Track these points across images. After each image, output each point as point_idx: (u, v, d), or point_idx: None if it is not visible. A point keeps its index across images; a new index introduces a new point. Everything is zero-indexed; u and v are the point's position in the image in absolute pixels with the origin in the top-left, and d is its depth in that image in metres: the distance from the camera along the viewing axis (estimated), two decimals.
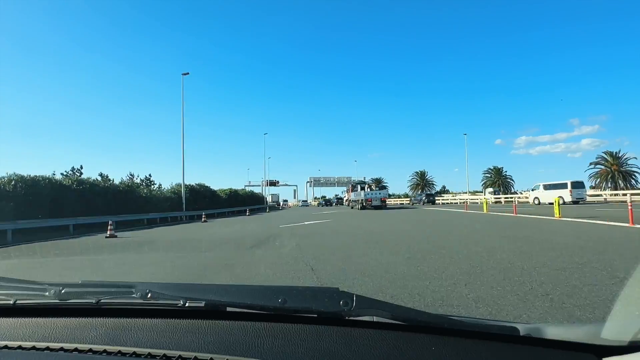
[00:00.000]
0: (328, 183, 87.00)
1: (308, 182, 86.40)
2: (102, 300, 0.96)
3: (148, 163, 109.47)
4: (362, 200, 33.38)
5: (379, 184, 76.44)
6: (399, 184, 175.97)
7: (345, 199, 62.19)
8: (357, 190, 37.03)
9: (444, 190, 72.20)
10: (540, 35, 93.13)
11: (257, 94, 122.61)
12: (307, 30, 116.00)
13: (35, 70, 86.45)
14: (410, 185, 76.65)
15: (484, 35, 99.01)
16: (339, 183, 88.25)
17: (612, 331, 0.73)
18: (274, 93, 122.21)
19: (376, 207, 32.22)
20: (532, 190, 31.13)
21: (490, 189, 29.17)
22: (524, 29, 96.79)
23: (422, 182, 74.47)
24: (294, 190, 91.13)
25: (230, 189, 42.73)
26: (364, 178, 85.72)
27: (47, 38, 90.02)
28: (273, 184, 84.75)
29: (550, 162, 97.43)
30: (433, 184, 74.97)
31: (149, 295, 0.93)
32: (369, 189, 35.44)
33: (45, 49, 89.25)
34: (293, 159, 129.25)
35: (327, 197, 71.74)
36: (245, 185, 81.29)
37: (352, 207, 38.07)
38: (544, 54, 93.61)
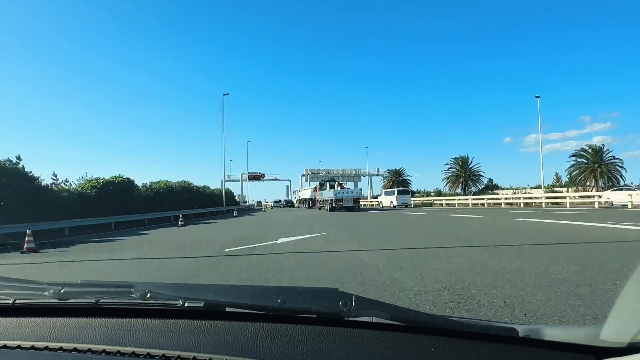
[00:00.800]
0: (329, 177, 65.87)
1: (304, 175, 65.22)
2: (101, 300, 0.95)
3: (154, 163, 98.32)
4: (331, 200, 29.79)
5: (398, 175, 55.83)
6: (426, 178, 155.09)
7: (296, 199, 55.40)
8: (325, 189, 33.49)
9: (492, 186, 48.60)
10: (550, 34, 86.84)
11: (259, 93, 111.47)
12: (309, 34, 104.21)
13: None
14: (447, 178, 49.57)
15: (493, 35, 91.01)
16: (343, 177, 66.39)
17: (611, 332, 0.72)
18: (275, 92, 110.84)
19: (348, 209, 28.72)
20: (378, 195, 40.90)
21: None
22: (532, 28, 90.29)
23: (464, 172, 47.12)
24: (287, 187, 70.15)
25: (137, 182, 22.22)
26: (378, 170, 65.03)
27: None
28: (256, 177, 64.13)
29: (560, 160, 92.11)
30: (480, 176, 47.93)
31: (148, 295, 0.91)
32: (339, 187, 32.29)
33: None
34: (295, 158, 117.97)
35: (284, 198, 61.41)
36: (225, 181, 61.83)
37: (319, 209, 34.15)
38: (553, 52, 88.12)
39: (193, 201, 29.55)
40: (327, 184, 34.53)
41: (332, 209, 28.85)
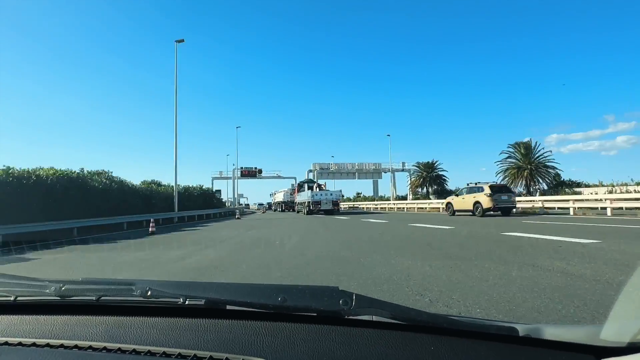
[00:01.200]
0: (342, 172, 52.92)
1: (311, 170, 52.63)
2: (102, 298, 0.95)
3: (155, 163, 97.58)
4: (308, 202, 28.09)
5: (431, 170, 41.83)
6: (460, 176, 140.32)
7: (272, 202, 53.14)
8: (303, 191, 32.35)
9: (569, 183, 33.78)
10: (571, 33, 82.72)
11: (263, 90, 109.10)
12: (316, 35, 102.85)
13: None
14: (504, 171, 34.73)
15: (509, 34, 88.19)
16: (360, 172, 53.28)
17: (611, 332, 0.72)
18: (281, 90, 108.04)
19: (327, 212, 26.92)
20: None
21: None
22: (551, 28, 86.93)
23: (527, 163, 32.83)
24: (292, 185, 57.74)
25: None
26: (403, 165, 51.52)
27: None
28: (252, 174, 52.03)
29: (582, 161, 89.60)
30: (550, 169, 33.13)
31: (149, 292, 0.91)
32: (317, 189, 29.62)
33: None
34: (304, 156, 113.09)
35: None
36: (214, 178, 54.90)
37: (297, 212, 33.79)
38: (576, 51, 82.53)
39: (90, 206, 17.50)
40: (306, 185, 33.04)
41: (310, 212, 27.44)
